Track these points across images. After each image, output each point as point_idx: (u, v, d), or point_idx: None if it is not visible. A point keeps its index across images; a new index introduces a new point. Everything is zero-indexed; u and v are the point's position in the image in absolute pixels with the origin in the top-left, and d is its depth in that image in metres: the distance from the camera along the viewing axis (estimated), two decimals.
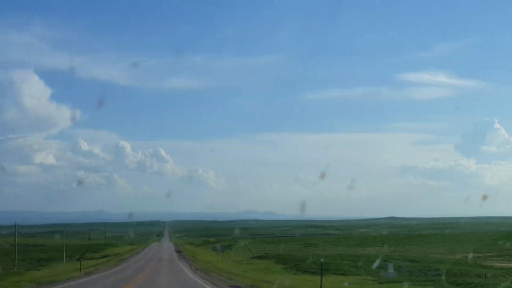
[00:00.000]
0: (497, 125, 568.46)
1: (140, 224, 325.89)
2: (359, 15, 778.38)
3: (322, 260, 28.68)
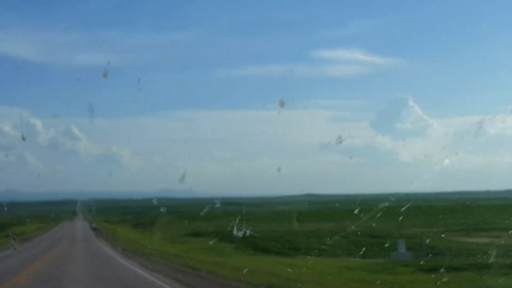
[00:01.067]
0: (411, 103, 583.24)
1: (52, 203, 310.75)
2: None
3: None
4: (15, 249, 40.36)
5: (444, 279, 25.40)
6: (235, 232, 24.94)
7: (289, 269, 26.20)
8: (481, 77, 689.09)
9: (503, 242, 39.43)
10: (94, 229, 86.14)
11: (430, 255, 35.93)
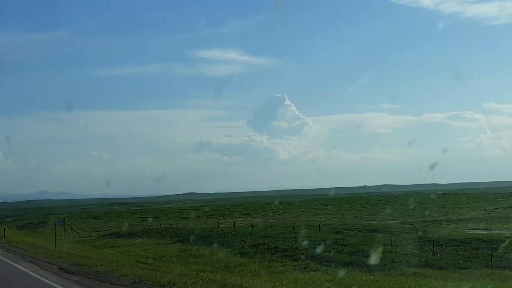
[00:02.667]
0: (287, 102, 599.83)
1: None
2: None
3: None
4: None
5: None
6: None
7: None
8: (355, 77, 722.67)
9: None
10: None
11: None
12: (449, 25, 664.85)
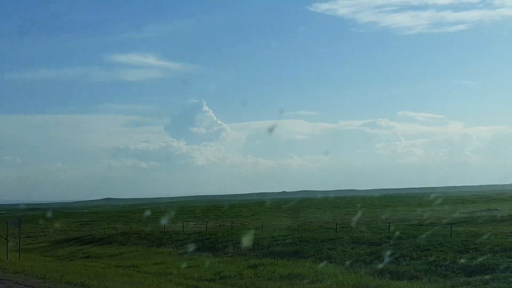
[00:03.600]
0: (205, 108, 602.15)
1: None
2: None
3: None
4: None
5: None
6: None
7: None
8: (273, 83, 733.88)
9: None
10: None
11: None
12: (365, 34, 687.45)
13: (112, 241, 54.51)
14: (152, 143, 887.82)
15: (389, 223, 48.69)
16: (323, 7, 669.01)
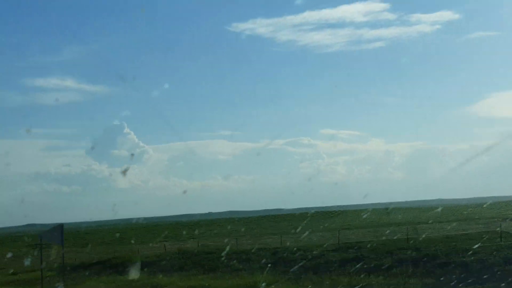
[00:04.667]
0: (127, 130, 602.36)
1: None
2: None
3: None
4: None
5: None
6: None
7: None
8: (195, 104, 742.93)
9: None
10: None
11: None
12: (285, 52, 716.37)
13: None
14: (73, 167, 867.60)
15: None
16: (242, 26, 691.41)
